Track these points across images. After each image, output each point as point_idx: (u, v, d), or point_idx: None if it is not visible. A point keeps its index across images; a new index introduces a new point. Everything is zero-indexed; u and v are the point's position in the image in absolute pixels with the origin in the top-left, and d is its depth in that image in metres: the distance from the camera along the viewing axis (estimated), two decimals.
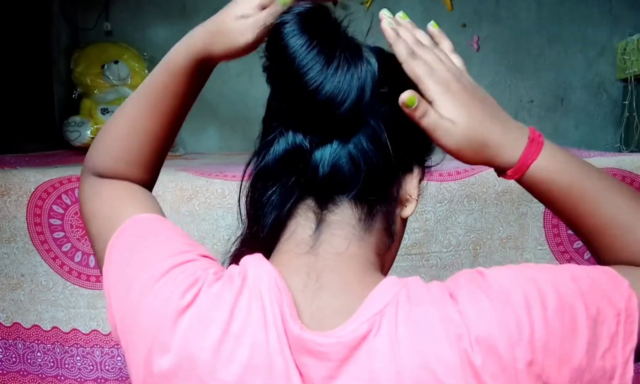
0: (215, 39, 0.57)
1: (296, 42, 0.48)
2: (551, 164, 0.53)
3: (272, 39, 0.51)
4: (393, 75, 0.53)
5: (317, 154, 0.52)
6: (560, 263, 1.37)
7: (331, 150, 0.51)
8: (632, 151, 2.17)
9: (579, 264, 1.37)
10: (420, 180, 0.58)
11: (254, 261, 0.52)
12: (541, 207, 1.32)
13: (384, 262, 0.58)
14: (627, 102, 2.27)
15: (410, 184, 0.57)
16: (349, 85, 0.49)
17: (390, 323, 0.46)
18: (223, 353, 0.47)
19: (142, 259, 0.53)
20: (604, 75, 2.44)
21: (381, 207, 0.55)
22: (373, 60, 0.52)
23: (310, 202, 0.54)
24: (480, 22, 2.46)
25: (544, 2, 2.45)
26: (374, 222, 0.54)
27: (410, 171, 0.57)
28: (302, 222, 0.54)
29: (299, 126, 0.52)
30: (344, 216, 0.53)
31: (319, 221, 0.53)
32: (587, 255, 1.37)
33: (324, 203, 0.53)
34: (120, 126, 0.64)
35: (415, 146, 0.57)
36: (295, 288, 0.51)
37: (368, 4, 2.41)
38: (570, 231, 1.36)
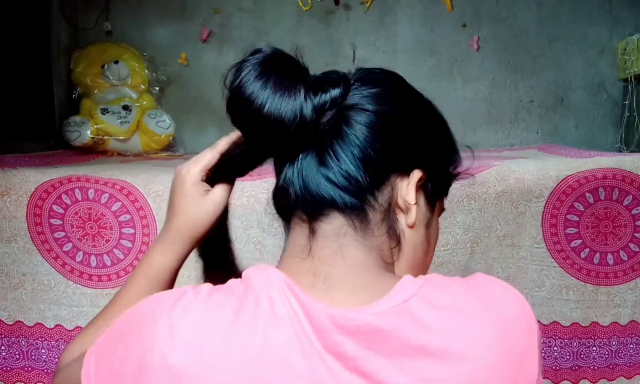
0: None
1: (249, 78, 0.52)
2: None
3: (231, 79, 0.53)
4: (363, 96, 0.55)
5: (288, 172, 0.55)
6: (556, 261, 1.37)
7: (295, 168, 0.54)
8: (632, 151, 2.17)
9: (574, 262, 1.37)
10: (420, 184, 0.56)
11: (256, 269, 0.52)
12: (540, 206, 1.33)
13: (404, 269, 0.57)
14: (627, 102, 2.27)
15: (405, 189, 0.55)
16: (286, 107, 0.51)
17: (422, 300, 0.49)
18: (232, 351, 0.47)
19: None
20: (604, 75, 2.44)
21: (373, 215, 0.54)
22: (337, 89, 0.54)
23: (300, 214, 0.56)
24: (480, 22, 2.45)
25: (544, 2, 2.45)
26: (370, 230, 0.54)
27: (403, 175, 0.56)
28: (299, 230, 0.56)
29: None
30: (336, 224, 0.54)
31: (312, 231, 0.55)
32: (583, 254, 1.37)
33: (312, 214, 0.55)
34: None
35: (403, 152, 0.56)
36: (304, 287, 0.51)
37: (368, 4, 2.41)
38: (568, 231, 1.36)
